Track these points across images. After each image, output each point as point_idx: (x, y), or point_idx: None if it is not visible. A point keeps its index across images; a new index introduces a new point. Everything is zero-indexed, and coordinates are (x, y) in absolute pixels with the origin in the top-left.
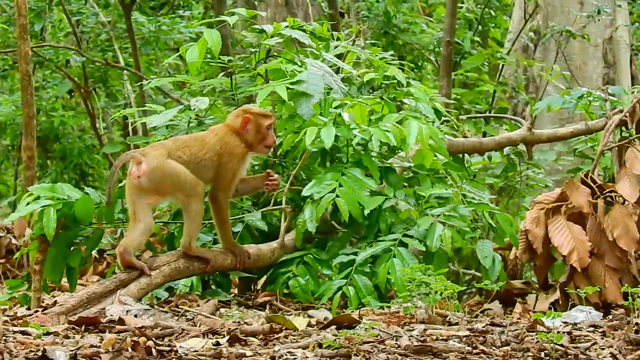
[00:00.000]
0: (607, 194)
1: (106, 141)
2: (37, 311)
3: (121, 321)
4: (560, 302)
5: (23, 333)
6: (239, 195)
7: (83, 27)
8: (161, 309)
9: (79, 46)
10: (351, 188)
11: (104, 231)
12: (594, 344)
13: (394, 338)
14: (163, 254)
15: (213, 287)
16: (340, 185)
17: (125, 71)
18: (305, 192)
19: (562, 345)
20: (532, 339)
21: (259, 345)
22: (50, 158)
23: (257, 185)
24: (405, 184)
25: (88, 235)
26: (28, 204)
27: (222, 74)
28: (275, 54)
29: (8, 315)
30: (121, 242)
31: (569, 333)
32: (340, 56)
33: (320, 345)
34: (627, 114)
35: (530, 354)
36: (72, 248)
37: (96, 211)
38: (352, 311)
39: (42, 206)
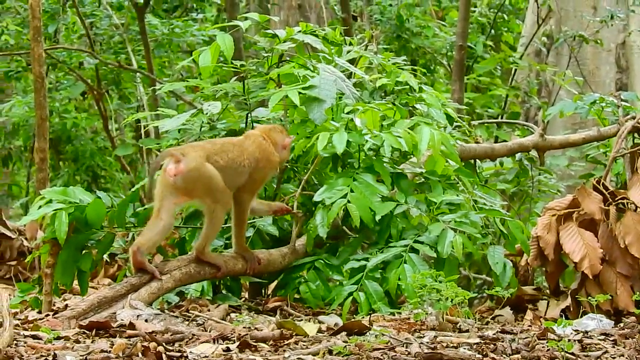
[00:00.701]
0: (619, 201)
1: (118, 143)
2: (48, 315)
3: (132, 326)
4: (572, 309)
5: (34, 337)
6: (252, 214)
7: (96, 29)
8: (172, 313)
9: (92, 48)
10: (362, 194)
11: (115, 235)
12: (605, 352)
13: (404, 345)
14: (174, 258)
15: (224, 291)
16: (352, 191)
17: (138, 74)
18: (316, 198)
19: (572, 354)
20: (543, 347)
21: (269, 351)
22: (62, 160)
23: (267, 210)
24: (417, 189)
25: (99, 238)
26: (40, 207)
27: (235, 78)
28: (288, 58)
29: (19, 319)
30: (136, 241)
31: (580, 341)
32: (352, 61)
33: (330, 352)
34: None
35: None
36: (83, 251)
37: (107, 215)
38: (363, 317)
39: (54, 210)
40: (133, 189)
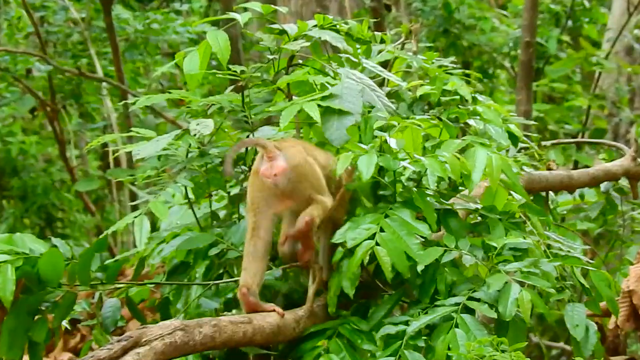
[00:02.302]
0: None
1: (80, 176)
2: None
3: None
4: None
5: None
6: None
7: (49, 26)
8: None
9: (43, 51)
10: (396, 234)
11: (76, 295)
12: None
13: None
14: (154, 324)
15: None
16: (382, 230)
17: (104, 83)
18: (336, 239)
19: None
20: None
21: None
22: (6, 197)
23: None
24: (471, 231)
25: (56, 300)
26: None
27: (231, 88)
28: (300, 61)
29: None
30: (241, 281)
31: None
32: (385, 64)
33: None
34: None
35: None
36: (35, 317)
37: (67, 269)
38: None
39: None
40: (101, 236)
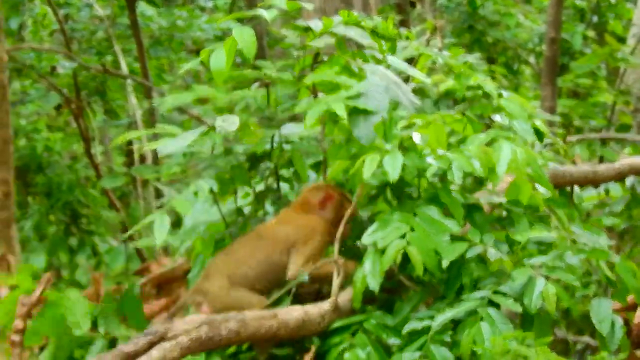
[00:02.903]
0: None
1: (105, 172)
2: None
3: None
4: None
5: None
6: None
7: (73, 23)
8: None
9: (68, 48)
10: (426, 233)
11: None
12: None
13: None
14: (180, 319)
15: None
16: (412, 229)
17: (128, 80)
18: (365, 239)
19: None
20: None
21: None
22: (31, 194)
23: None
24: (496, 225)
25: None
26: None
27: (257, 85)
28: (325, 58)
29: None
30: None
31: None
32: (410, 60)
33: None
34: None
35: None
36: None
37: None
38: None
39: None
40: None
